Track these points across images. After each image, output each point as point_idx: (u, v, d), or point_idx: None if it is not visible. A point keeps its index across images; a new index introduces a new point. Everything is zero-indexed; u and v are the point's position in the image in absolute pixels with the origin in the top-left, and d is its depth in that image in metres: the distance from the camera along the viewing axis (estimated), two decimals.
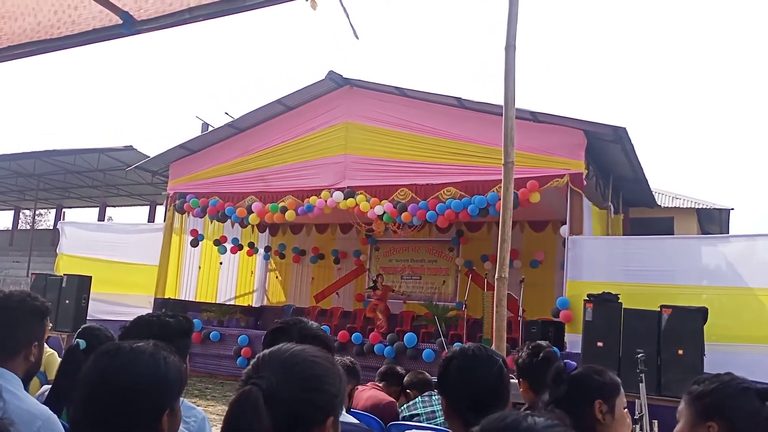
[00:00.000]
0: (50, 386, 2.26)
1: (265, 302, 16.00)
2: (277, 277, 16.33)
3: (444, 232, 13.27)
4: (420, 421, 3.18)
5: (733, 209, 16.30)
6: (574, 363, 2.13)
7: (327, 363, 1.19)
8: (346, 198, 11.13)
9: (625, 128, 9.56)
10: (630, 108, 73.54)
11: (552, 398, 2.05)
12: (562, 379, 2.05)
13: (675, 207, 15.53)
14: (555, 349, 2.88)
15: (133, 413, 1.22)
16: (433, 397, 3.44)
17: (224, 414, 1.10)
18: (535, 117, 9.83)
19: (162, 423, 1.25)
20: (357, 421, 2.24)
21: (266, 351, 1.21)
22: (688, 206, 15.77)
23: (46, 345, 2.32)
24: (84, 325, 2.56)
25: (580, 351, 7.97)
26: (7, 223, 30.13)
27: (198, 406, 2.38)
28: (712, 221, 16.85)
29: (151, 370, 1.27)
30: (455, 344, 8.96)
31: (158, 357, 1.30)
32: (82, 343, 2.24)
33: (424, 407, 3.41)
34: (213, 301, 14.16)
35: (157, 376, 1.27)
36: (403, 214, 10.64)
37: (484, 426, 1.00)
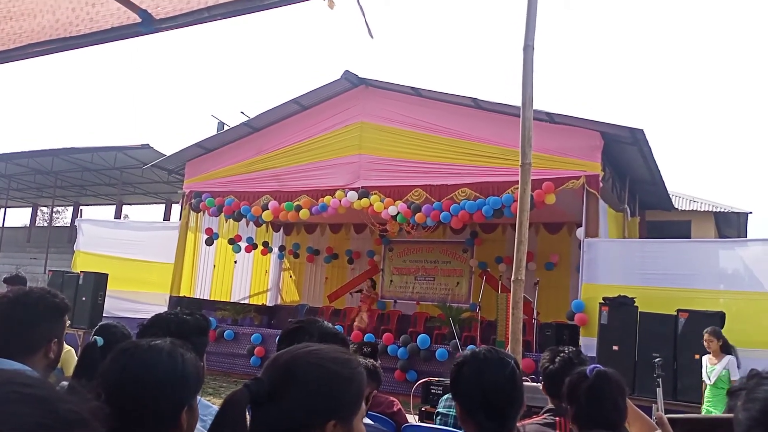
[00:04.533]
0: (67, 383, 2.27)
1: (279, 301, 16.06)
2: (291, 277, 16.37)
3: (458, 233, 13.23)
4: (447, 423, 3.16)
5: (751, 213, 16.11)
6: (598, 366, 2.07)
7: (333, 366, 1.15)
8: (360, 198, 11.13)
9: (642, 130, 9.47)
10: (647, 110, 72.95)
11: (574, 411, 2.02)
12: (578, 389, 2.02)
13: (692, 210, 15.34)
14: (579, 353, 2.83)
15: (152, 410, 1.23)
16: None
17: None
18: (552, 118, 9.78)
19: (181, 420, 1.26)
20: (372, 422, 2.23)
21: (279, 353, 1.21)
22: (706, 209, 15.58)
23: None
24: (101, 323, 2.58)
25: (595, 354, 7.91)
26: (25, 220, 30.53)
27: (213, 404, 2.39)
28: (730, 225, 16.65)
29: (169, 368, 1.28)
30: (469, 346, 8.94)
31: (176, 354, 1.31)
32: (100, 340, 2.25)
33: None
34: (227, 300, 14.23)
35: (174, 373, 1.28)
36: (417, 215, 10.63)
37: None
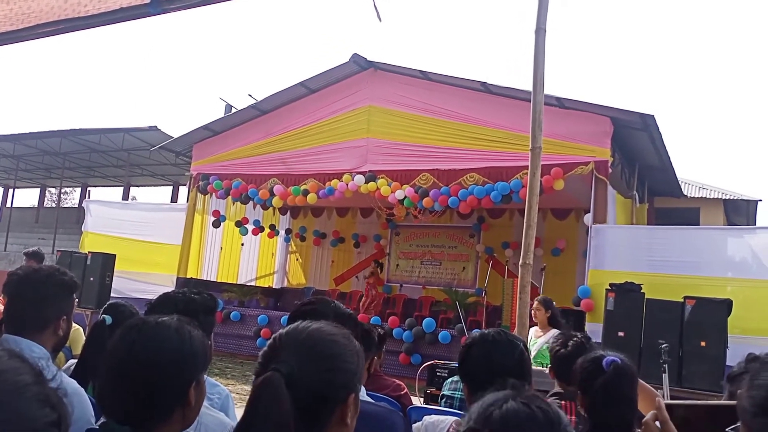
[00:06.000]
0: (76, 361, 2.29)
1: (286, 284, 16.12)
2: (297, 260, 16.42)
3: (465, 218, 13.21)
4: (453, 405, 3.16)
5: (761, 200, 15.99)
6: (614, 359, 2.05)
7: (344, 340, 1.20)
8: (367, 182, 11.11)
9: (653, 116, 9.38)
10: (658, 96, 72.31)
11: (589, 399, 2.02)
12: (593, 381, 2.01)
13: (701, 197, 15.25)
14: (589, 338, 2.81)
15: (160, 386, 1.24)
16: (460, 382, 3.41)
17: (245, 394, 1.11)
18: (562, 103, 9.70)
19: (189, 396, 1.26)
20: (381, 403, 2.24)
21: (282, 332, 1.21)
22: (715, 197, 15.48)
23: None
24: (109, 302, 2.60)
25: (600, 340, 7.91)
26: (33, 201, 30.69)
27: (219, 383, 2.40)
28: (739, 212, 16.55)
29: (177, 344, 1.28)
30: (474, 330, 8.95)
31: (183, 331, 1.32)
32: (108, 319, 2.27)
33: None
34: (234, 282, 14.30)
35: (182, 349, 1.28)
36: (425, 200, 10.61)
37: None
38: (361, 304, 12.50)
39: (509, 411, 0.93)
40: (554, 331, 5.38)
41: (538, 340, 5.66)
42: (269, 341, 1.20)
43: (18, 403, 0.65)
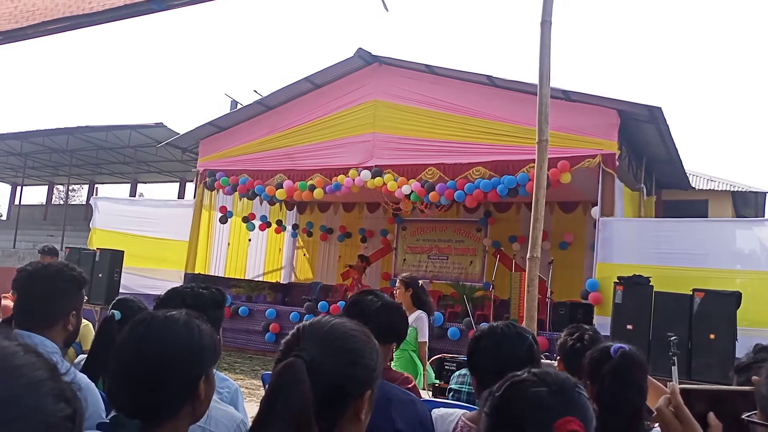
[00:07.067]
0: (86, 356, 2.30)
1: (293, 279, 16.16)
2: (304, 255, 16.45)
3: (472, 212, 13.19)
4: (460, 399, 3.16)
5: None
6: (622, 346, 2.04)
7: (365, 337, 1.21)
8: (373, 177, 11.10)
9: (660, 108, 9.33)
10: (665, 88, 71.87)
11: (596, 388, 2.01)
12: (600, 368, 2.00)
13: (710, 189, 15.16)
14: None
15: (169, 380, 1.24)
16: (467, 375, 3.41)
17: (254, 388, 1.12)
18: (568, 96, 9.66)
19: (199, 389, 1.27)
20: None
21: (306, 323, 1.22)
22: (723, 189, 15.39)
23: None
24: (118, 297, 2.61)
25: (609, 334, 7.89)
26: (41, 198, 30.79)
27: (228, 378, 2.41)
28: (748, 204, 16.45)
29: (186, 338, 1.29)
30: (482, 324, 8.94)
31: (192, 325, 1.32)
32: (118, 314, 2.28)
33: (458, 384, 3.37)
34: (242, 277, 14.35)
35: (191, 343, 1.29)
36: (431, 194, 10.59)
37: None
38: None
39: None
40: (419, 313, 4.77)
41: None
42: (292, 331, 1.21)
43: (34, 398, 0.66)
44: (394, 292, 5.05)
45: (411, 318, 4.64)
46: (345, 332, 1.19)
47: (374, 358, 1.19)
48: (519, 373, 1.13)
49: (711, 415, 1.10)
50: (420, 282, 5.03)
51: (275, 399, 1.05)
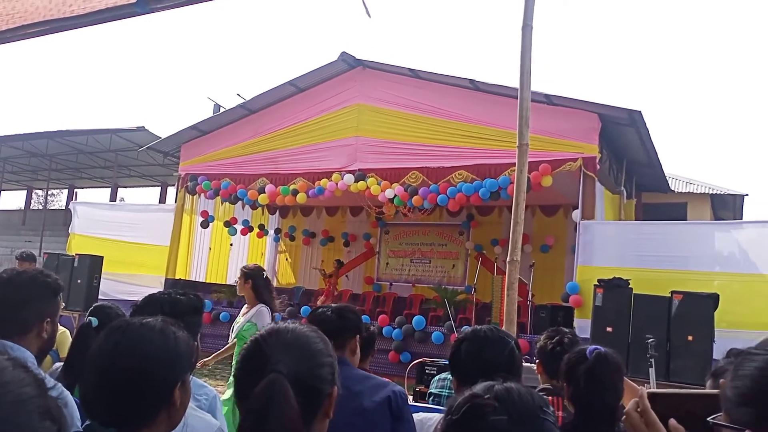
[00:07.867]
0: (63, 363, 2.27)
1: (275, 284, 16.03)
2: (287, 259, 16.39)
3: (454, 215, 13.23)
4: (441, 403, 3.16)
5: (747, 195, 16.10)
6: (598, 348, 2.07)
7: (319, 336, 1.25)
8: (357, 181, 11.09)
9: (640, 112, 9.44)
10: (645, 92, 72.75)
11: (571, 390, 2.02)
12: (576, 370, 2.02)
13: (689, 192, 15.34)
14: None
15: (144, 387, 1.23)
16: (447, 379, 3.42)
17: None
18: (549, 100, 9.73)
19: (174, 396, 1.25)
20: None
21: (264, 334, 1.22)
22: (702, 192, 15.59)
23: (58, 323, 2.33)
24: (96, 304, 2.58)
25: (589, 336, 7.95)
26: (19, 203, 30.37)
27: (207, 384, 2.39)
28: (726, 207, 16.67)
29: (161, 345, 1.28)
30: (463, 327, 8.97)
31: (168, 332, 1.31)
32: (95, 321, 2.25)
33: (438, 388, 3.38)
34: (223, 282, 14.23)
35: (167, 349, 1.28)
36: (414, 198, 10.61)
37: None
38: (320, 303, 12.44)
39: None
40: (260, 307, 4.42)
41: (240, 319, 4.54)
42: (249, 344, 1.21)
43: (20, 416, 0.65)
44: (235, 282, 4.77)
45: (250, 313, 4.41)
46: (306, 336, 1.23)
47: (333, 355, 1.24)
48: (480, 393, 1.06)
49: (672, 422, 1.11)
50: (265, 274, 4.69)
51: (266, 417, 1.05)
